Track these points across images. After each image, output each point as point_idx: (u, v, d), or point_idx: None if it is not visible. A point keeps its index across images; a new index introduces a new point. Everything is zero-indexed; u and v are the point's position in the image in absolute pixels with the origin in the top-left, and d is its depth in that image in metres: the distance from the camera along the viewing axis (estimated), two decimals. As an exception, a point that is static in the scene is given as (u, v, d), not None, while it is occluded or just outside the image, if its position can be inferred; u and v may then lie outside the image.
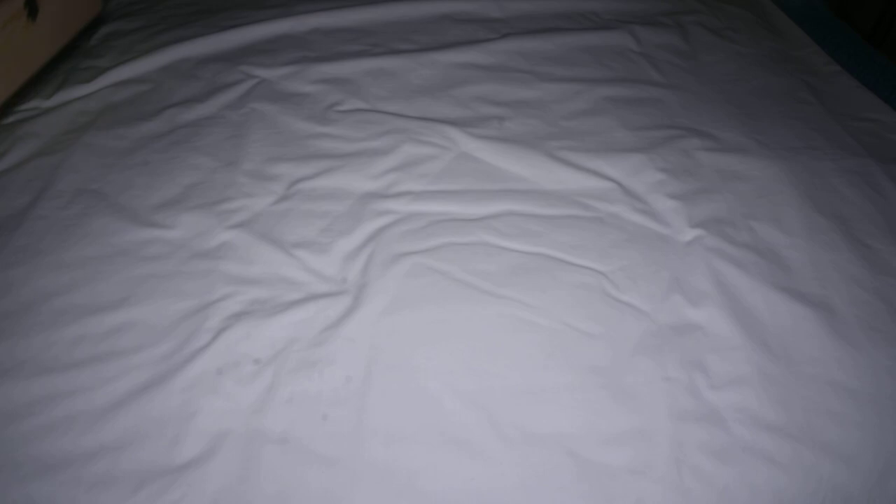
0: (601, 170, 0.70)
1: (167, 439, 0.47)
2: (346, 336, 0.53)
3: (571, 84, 0.84)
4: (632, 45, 0.93)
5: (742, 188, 0.69)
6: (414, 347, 0.53)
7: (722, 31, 0.97)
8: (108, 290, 0.56)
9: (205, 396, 0.49)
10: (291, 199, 0.65)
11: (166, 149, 0.72)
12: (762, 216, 0.66)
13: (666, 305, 0.57)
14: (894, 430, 0.49)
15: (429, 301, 0.56)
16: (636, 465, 0.47)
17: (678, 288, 0.58)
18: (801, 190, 0.69)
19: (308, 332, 0.53)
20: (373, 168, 0.69)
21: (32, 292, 0.56)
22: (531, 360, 0.53)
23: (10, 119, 0.75)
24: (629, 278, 0.59)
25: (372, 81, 0.84)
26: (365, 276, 0.58)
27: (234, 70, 0.84)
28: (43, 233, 0.60)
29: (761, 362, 0.53)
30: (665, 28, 0.96)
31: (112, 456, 0.46)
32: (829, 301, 0.58)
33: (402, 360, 0.52)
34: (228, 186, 0.66)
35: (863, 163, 0.73)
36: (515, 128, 0.75)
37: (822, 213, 0.67)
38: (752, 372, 0.52)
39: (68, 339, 0.53)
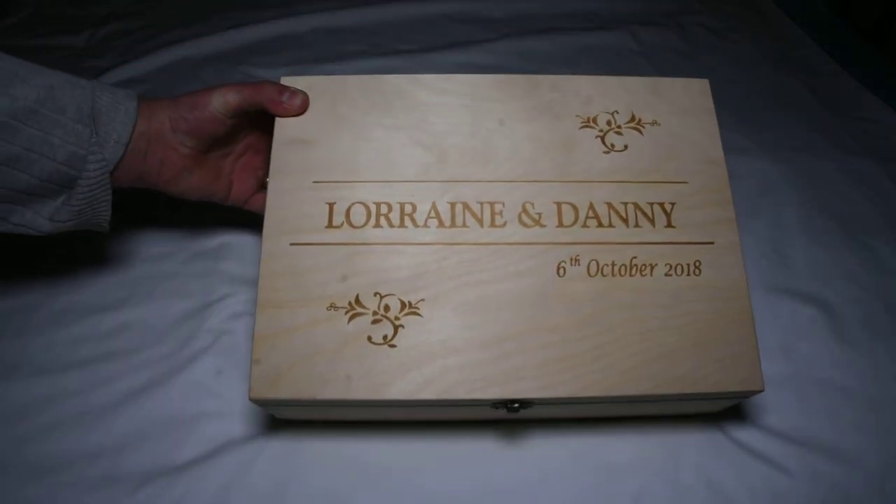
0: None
1: (167, 439, 0.47)
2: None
3: (571, 84, 0.84)
4: (632, 45, 0.93)
5: (742, 188, 0.69)
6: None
7: (722, 31, 0.97)
8: (108, 290, 0.56)
9: (205, 397, 0.49)
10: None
11: (166, 149, 0.72)
12: (762, 216, 0.66)
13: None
14: (893, 430, 0.49)
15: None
16: (636, 463, 0.47)
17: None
18: (801, 190, 0.69)
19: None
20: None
21: (32, 292, 0.56)
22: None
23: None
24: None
25: (372, 81, 0.84)
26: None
27: (234, 70, 0.84)
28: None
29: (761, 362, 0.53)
30: (665, 28, 0.96)
31: (112, 456, 0.46)
32: (829, 301, 0.58)
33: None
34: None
35: (863, 163, 0.73)
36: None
37: (822, 213, 0.67)
38: (752, 372, 0.52)
39: (68, 339, 0.53)
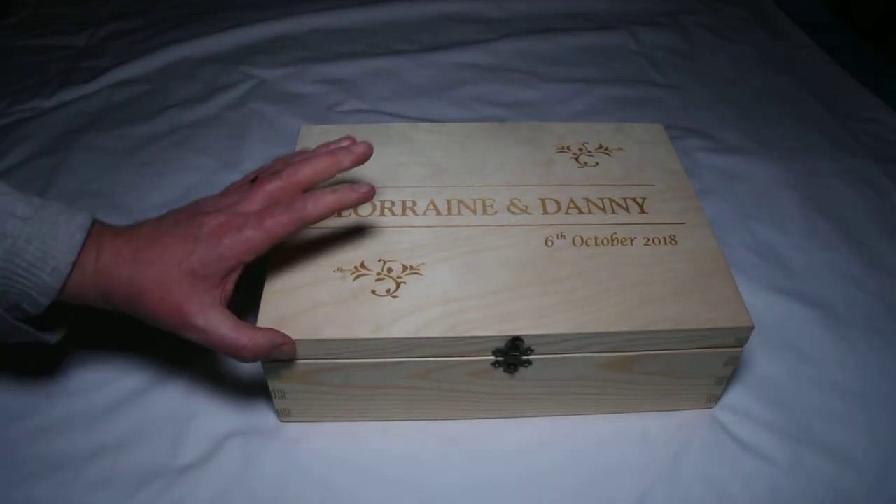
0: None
1: (167, 440, 0.47)
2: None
3: (571, 84, 0.84)
4: (632, 45, 0.93)
5: (742, 189, 0.69)
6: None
7: (722, 31, 0.97)
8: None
9: (205, 397, 0.49)
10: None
11: (166, 149, 0.72)
12: (762, 217, 0.66)
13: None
14: (893, 430, 0.49)
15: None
16: (636, 464, 0.47)
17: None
18: (801, 190, 0.69)
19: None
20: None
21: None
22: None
23: (10, 119, 0.75)
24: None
25: (372, 82, 0.84)
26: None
27: (234, 70, 0.84)
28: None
29: (761, 363, 0.53)
30: (665, 28, 0.96)
31: (112, 456, 0.46)
32: (828, 301, 0.58)
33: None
34: (228, 187, 0.66)
35: (863, 163, 0.73)
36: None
37: (822, 213, 0.67)
38: (751, 372, 0.52)
39: (68, 339, 0.53)
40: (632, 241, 0.48)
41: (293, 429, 0.48)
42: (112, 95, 0.80)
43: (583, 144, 0.57)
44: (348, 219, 0.49)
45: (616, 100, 0.82)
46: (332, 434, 0.48)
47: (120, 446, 0.46)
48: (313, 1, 0.98)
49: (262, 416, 0.49)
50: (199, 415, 0.48)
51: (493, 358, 0.44)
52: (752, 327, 0.43)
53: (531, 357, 0.44)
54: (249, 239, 0.39)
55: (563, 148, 0.56)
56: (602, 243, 0.48)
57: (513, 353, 0.43)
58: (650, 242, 0.48)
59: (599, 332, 0.42)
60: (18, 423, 0.48)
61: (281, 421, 0.48)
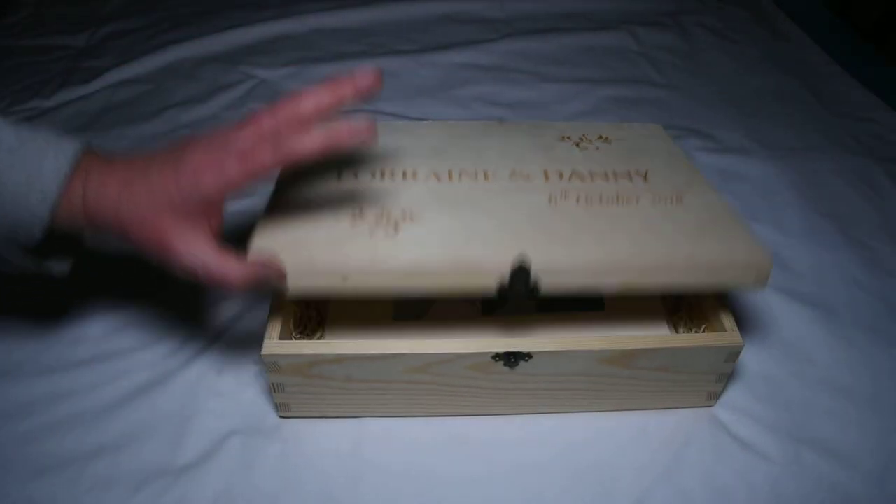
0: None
1: (167, 440, 0.47)
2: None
3: (572, 84, 0.84)
4: (632, 45, 0.93)
5: (742, 188, 0.70)
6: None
7: (722, 31, 0.97)
8: (109, 289, 0.56)
9: (205, 397, 0.49)
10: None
11: (166, 149, 0.72)
12: (762, 216, 0.66)
13: (666, 305, 0.57)
14: (893, 431, 0.49)
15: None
16: (636, 463, 0.47)
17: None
18: (801, 190, 0.69)
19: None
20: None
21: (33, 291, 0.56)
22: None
23: (10, 119, 0.75)
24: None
25: (372, 82, 0.84)
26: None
27: (234, 70, 0.84)
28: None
29: (761, 362, 0.53)
30: (665, 28, 0.96)
31: (112, 456, 0.46)
32: (829, 301, 0.58)
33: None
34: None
35: (863, 163, 0.73)
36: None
37: (822, 213, 0.67)
38: (752, 372, 0.52)
39: (68, 339, 0.53)
40: (637, 199, 0.47)
41: (293, 427, 0.48)
42: (112, 95, 0.80)
43: (583, 135, 0.57)
44: (348, 181, 0.48)
45: (616, 100, 0.82)
46: (332, 432, 0.48)
47: (120, 446, 0.46)
48: (313, 1, 0.98)
49: (261, 415, 0.48)
50: (199, 414, 0.48)
51: (493, 351, 0.43)
52: (771, 265, 0.42)
53: (532, 350, 0.43)
54: (228, 175, 0.38)
55: (563, 138, 0.56)
56: (606, 202, 0.47)
57: (518, 288, 0.41)
58: (656, 202, 0.47)
59: (613, 260, 0.42)
60: (18, 422, 0.48)
61: (280, 416, 0.48)
